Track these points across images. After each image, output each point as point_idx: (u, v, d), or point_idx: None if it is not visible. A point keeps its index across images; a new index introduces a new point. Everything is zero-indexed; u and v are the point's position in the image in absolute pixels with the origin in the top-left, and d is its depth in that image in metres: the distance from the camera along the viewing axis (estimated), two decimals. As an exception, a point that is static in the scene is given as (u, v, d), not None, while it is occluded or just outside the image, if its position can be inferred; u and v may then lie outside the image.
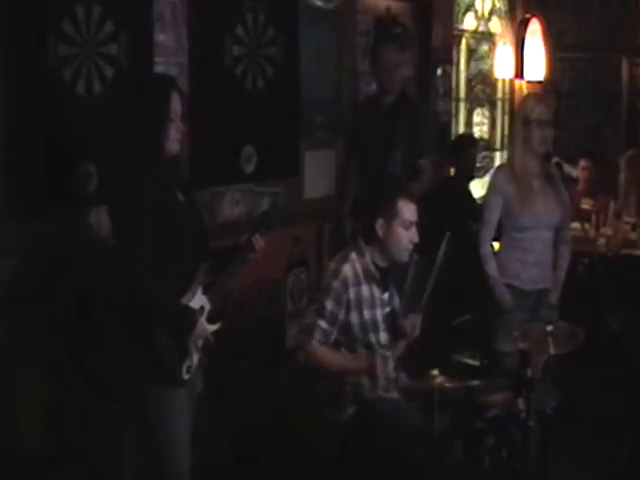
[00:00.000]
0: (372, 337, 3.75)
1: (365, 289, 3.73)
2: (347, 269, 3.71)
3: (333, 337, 3.69)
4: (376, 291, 3.77)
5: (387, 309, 3.83)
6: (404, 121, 4.96)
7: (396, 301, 3.89)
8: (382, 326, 3.78)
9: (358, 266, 3.73)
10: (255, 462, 4.45)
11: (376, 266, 3.77)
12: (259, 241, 3.46)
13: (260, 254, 3.48)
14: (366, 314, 3.73)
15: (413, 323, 3.82)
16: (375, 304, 3.76)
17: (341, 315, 3.69)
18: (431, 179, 5.12)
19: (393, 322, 3.84)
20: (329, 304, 3.68)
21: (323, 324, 3.67)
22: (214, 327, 3.38)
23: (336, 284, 3.69)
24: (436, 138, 5.35)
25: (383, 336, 3.78)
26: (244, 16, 4.68)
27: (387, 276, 3.83)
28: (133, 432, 3.63)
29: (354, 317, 3.71)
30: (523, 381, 3.70)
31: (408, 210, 3.74)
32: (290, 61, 4.98)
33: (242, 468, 4.43)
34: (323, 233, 5.34)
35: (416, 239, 3.75)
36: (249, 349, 4.71)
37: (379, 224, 3.72)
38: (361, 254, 3.76)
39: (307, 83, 5.15)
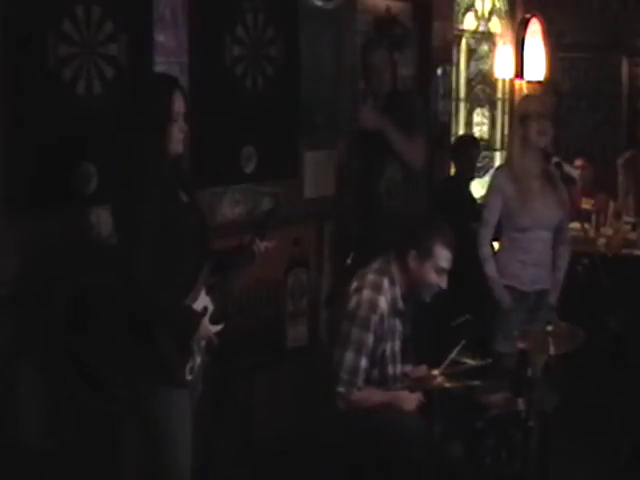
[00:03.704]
0: (390, 369, 3.75)
1: (391, 321, 3.74)
2: (382, 302, 3.69)
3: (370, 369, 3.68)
4: (397, 323, 3.78)
5: (402, 337, 3.83)
6: (399, 120, 4.94)
7: (408, 328, 3.88)
8: (399, 357, 3.79)
9: (389, 296, 3.72)
10: (255, 463, 4.45)
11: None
12: (260, 246, 3.46)
13: (261, 256, 3.48)
14: (388, 347, 3.73)
15: (421, 373, 3.81)
16: (395, 336, 3.77)
17: (374, 345, 3.68)
18: (425, 153, 5.08)
19: (404, 348, 3.85)
20: (369, 338, 3.65)
21: (364, 363, 3.64)
22: (217, 328, 3.37)
23: (375, 318, 3.66)
24: (423, 118, 5.33)
25: (399, 368, 3.79)
26: (244, 16, 4.67)
27: (406, 307, 3.83)
28: (133, 432, 3.63)
29: (379, 348, 3.71)
30: (523, 381, 3.71)
31: (445, 256, 3.74)
32: (290, 61, 4.98)
33: (243, 468, 4.43)
34: (323, 233, 5.34)
35: (444, 286, 3.75)
36: (249, 349, 4.70)
37: (412, 256, 3.72)
38: (392, 283, 3.74)
39: (307, 83, 5.14)
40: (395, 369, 3.78)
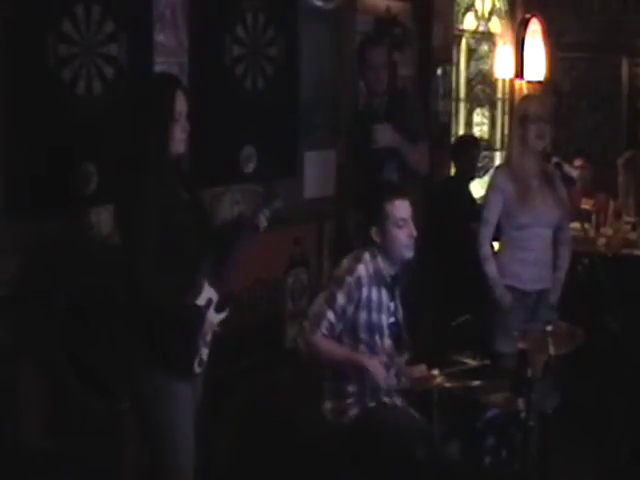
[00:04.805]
0: (377, 340, 3.73)
1: (375, 292, 3.72)
2: (361, 269, 3.69)
3: (337, 331, 3.67)
4: (384, 297, 3.76)
5: (392, 319, 3.82)
6: (398, 122, 4.94)
7: (400, 313, 3.87)
8: (387, 332, 3.78)
9: (370, 267, 3.72)
10: (255, 463, 4.45)
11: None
12: (263, 221, 3.46)
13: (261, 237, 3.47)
14: (374, 316, 3.72)
15: (420, 373, 3.80)
16: (382, 309, 3.75)
17: (350, 311, 3.67)
18: (428, 159, 5.10)
19: (397, 333, 3.84)
20: (340, 297, 3.65)
21: (331, 316, 3.65)
22: (222, 316, 3.37)
23: (350, 280, 3.67)
24: (424, 123, 5.34)
25: (387, 342, 3.77)
26: (244, 16, 4.68)
27: (395, 285, 3.82)
28: (134, 432, 3.62)
29: (362, 316, 3.69)
30: (523, 381, 3.71)
31: (397, 209, 3.73)
32: (290, 61, 4.98)
33: (242, 469, 4.43)
34: (323, 233, 5.34)
35: (414, 232, 3.74)
36: (249, 349, 4.70)
37: (374, 232, 3.72)
38: (374, 256, 3.75)
39: (307, 83, 5.15)
40: (383, 342, 3.75)
